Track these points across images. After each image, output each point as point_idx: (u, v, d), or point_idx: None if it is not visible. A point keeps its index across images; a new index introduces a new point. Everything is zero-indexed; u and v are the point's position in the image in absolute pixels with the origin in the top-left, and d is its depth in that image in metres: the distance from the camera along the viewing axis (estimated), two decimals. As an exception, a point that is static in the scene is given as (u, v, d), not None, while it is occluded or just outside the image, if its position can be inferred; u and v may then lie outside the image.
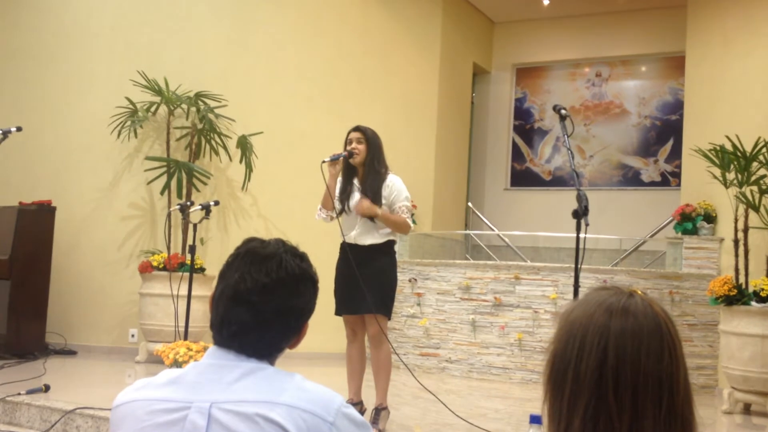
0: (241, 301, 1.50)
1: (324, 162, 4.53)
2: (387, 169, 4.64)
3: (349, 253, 4.51)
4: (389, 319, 4.67)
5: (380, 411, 4.57)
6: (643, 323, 1.18)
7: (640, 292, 1.23)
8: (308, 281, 1.56)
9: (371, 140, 4.60)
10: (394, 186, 4.59)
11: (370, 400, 4.73)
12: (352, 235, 4.58)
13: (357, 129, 4.65)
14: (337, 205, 4.62)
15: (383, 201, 4.54)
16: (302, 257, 1.58)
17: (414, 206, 4.85)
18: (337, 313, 4.68)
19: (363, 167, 4.60)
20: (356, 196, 4.59)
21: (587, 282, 6.67)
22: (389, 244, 4.64)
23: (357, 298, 4.49)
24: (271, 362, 1.54)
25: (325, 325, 5.08)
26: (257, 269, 1.51)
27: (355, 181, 4.64)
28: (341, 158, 4.54)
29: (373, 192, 4.54)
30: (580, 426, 1.15)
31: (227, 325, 1.51)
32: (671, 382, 1.16)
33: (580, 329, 1.19)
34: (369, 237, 4.56)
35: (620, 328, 1.18)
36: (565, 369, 1.18)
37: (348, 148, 4.59)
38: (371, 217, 4.52)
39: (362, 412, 4.61)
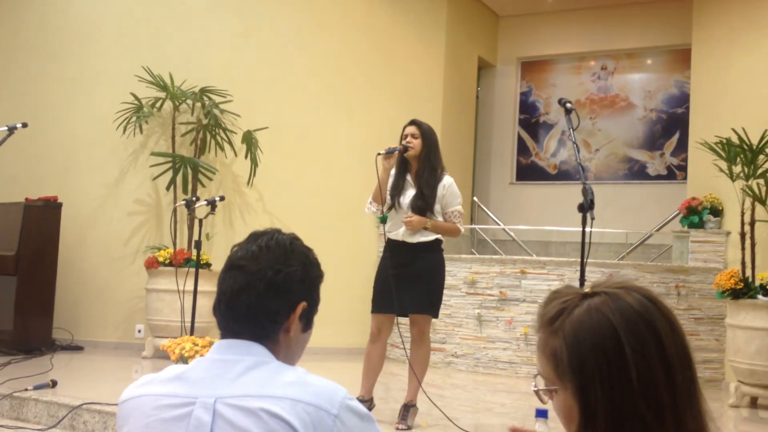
0: (233, 267, 1.57)
1: (379, 154, 4.42)
2: (443, 169, 4.53)
3: (398, 250, 4.40)
4: (436, 318, 4.60)
5: (410, 408, 4.48)
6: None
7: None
8: (300, 255, 1.60)
9: (427, 135, 4.48)
10: (449, 188, 4.49)
11: (378, 395, 4.73)
12: (400, 232, 4.47)
13: (413, 123, 4.54)
14: (388, 200, 4.50)
15: (436, 202, 4.45)
16: (298, 238, 1.64)
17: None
18: (376, 310, 4.55)
19: (417, 162, 4.48)
20: (409, 193, 4.48)
21: (593, 276, 6.66)
22: (437, 242, 4.53)
23: (401, 297, 4.38)
24: (273, 348, 1.53)
25: (331, 320, 5.09)
26: (252, 243, 1.60)
27: (408, 177, 4.52)
28: (396, 152, 4.42)
29: (429, 189, 4.43)
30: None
31: (222, 296, 1.56)
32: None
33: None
34: (417, 234, 4.45)
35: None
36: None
37: (403, 142, 4.47)
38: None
39: (370, 409, 4.59)
